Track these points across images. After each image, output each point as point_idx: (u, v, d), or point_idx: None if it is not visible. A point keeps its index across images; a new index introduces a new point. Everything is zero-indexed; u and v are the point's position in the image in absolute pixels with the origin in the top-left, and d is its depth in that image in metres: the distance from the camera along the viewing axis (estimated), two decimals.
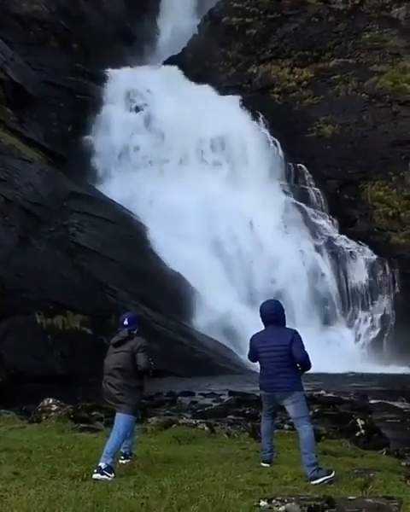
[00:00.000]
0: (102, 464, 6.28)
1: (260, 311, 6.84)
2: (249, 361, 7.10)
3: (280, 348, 6.55)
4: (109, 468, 6.27)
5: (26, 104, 28.90)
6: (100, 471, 6.22)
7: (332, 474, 6.24)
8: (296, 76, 35.02)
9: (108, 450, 6.40)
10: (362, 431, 10.27)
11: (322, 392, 16.49)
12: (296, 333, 6.63)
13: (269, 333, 6.71)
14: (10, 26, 32.62)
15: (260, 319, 6.83)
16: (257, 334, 6.89)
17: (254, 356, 6.87)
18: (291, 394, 6.53)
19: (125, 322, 7.03)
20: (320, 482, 6.10)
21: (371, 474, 6.51)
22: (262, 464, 6.84)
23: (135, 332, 7.01)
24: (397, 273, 27.85)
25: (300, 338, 6.58)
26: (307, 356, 6.53)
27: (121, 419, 6.66)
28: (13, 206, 22.52)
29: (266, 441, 6.95)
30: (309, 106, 33.56)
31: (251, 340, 6.88)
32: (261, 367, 6.78)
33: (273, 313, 6.75)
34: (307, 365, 6.55)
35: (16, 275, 20.77)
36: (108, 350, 7.05)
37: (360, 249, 28.60)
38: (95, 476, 6.16)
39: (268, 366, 6.64)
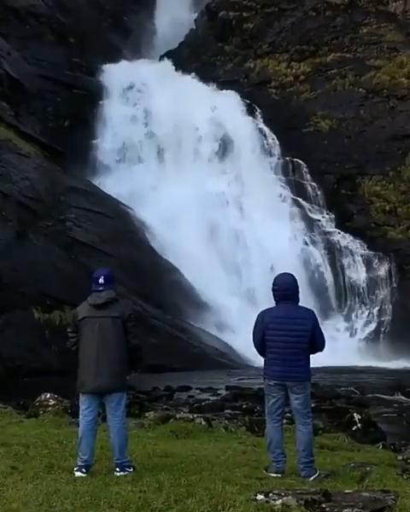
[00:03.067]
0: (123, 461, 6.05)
1: (275, 284, 6.16)
2: (255, 347, 6.23)
3: (300, 333, 5.99)
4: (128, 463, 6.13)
5: (23, 98, 28.80)
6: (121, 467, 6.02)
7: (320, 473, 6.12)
8: (294, 70, 34.95)
9: (122, 444, 6.10)
10: (359, 425, 10.32)
11: (320, 385, 16.52)
12: (315, 315, 6.16)
13: (284, 312, 6.05)
14: (6, 20, 32.46)
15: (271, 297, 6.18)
16: (268, 311, 6.18)
17: (261, 338, 6.09)
18: (304, 384, 6.13)
19: (101, 281, 6.05)
20: (315, 478, 6.11)
21: (368, 468, 6.55)
22: (272, 475, 6.11)
23: (113, 293, 6.10)
24: (394, 268, 27.89)
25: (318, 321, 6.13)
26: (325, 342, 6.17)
27: (121, 398, 6.15)
28: (10, 201, 22.49)
29: (280, 451, 6.26)
30: (306, 100, 33.51)
31: (261, 317, 6.15)
32: (271, 351, 6.10)
33: (290, 289, 6.12)
34: (322, 350, 6.17)
35: (13, 269, 20.77)
36: (79, 310, 6.10)
37: (357, 244, 28.63)
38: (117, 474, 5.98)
39: (282, 351, 6.00)
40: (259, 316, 6.23)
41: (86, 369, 6.15)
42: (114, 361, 6.08)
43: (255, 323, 6.21)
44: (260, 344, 6.20)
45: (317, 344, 6.15)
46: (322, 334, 6.18)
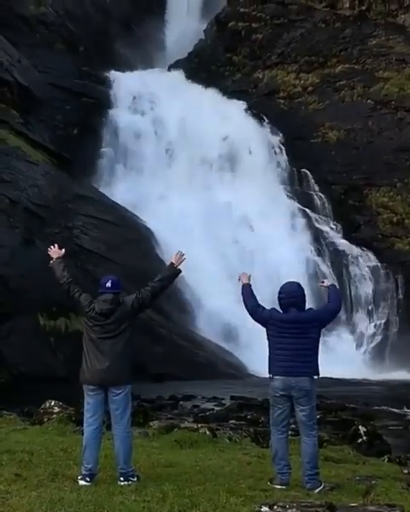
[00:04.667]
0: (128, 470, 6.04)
1: (281, 292, 6.22)
2: (253, 315, 6.32)
3: (308, 325, 6.08)
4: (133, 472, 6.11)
5: (32, 106, 28.97)
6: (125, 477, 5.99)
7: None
8: (302, 81, 35.07)
9: (127, 453, 6.07)
10: (364, 438, 10.25)
11: (324, 398, 16.44)
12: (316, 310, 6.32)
13: (292, 317, 6.10)
14: (17, 28, 32.74)
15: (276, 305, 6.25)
16: (277, 311, 6.24)
17: (264, 320, 6.19)
18: (312, 383, 6.10)
19: (108, 285, 6.15)
20: (320, 490, 6.07)
21: (373, 482, 6.49)
22: (277, 487, 6.07)
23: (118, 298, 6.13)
24: (400, 279, 27.81)
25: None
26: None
27: (127, 396, 6.10)
28: (18, 208, 22.57)
29: (285, 463, 6.20)
30: (314, 111, 33.59)
31: (268, 311, 6.24)
32: (278, 347, 6.12)
33: (297, 296, 6.18)
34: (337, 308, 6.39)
35: (20, 276, 20.81)
36: (87, 319, 6.14)
37: (364, 255, 28.57)
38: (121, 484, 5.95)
39: (289, 347, 6.04)
40: (267, 309, 6.30)
41: (89, 362, 6.16)
42: (118, 358, 6.07)
43: (263, 311, 6.29)
44: (259, 314, 6.28)
45: (333, 306, 6.36)
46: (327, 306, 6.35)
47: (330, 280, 6.79)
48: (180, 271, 6.48)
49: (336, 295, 6.52)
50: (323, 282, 6.77)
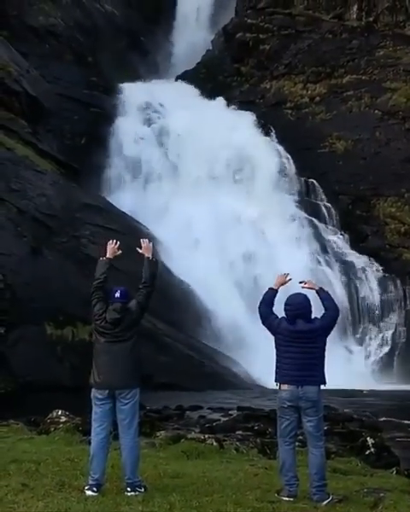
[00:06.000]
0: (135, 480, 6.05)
1: (288, 304, 6.26)
2: (261, 310, 6.39)
3: (314, 335, 6.13)
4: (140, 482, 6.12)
5: (41, 116, 29.15)
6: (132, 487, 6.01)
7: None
8: (309, 92, 35.15)
9: (134, 463, 6.08)
10: (372, 449, 10.17)
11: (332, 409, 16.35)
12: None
13: (300, 328, 6.17)
14: (26, 39, 33.01)
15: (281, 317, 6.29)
16: (286, 321, 6.26)
17: (273, 328, 6.24)
18: (319, 393, 6.10)
19: (117, 295, 6.30)
20: (328, 503, 6.03)
21: (382, 494, 6.43)
22: (285, 498, 6.04)
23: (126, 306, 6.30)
24: (408, 290, 27.70)
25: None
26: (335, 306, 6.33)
27: (134, 406, 6.17)
28: (25, 217, 22.66)
29: (292, 474, 6.18)
30: (322, 121, 33.64)
31: (279, 320, 6.27)
32: (286, 356, 6.17)
33: (303, 308, 6.23)
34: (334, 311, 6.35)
35: (27, 285, 20.84)
36: (97, 326, 6.25)
37: (371, 265, 28.49)
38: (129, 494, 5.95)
39: (297, 356, 6.08)
40: (276, 317, 6.34)
41: (99, 367, 6.29)
42: (127, 362, 6.20)
43: (272, 317, 6.34)
44: (266, 315, 6.35)
45: (330, 305, 6.34)
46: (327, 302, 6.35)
47: (311, 281, 6.68)
48: (158, 261, 6.63)
49: (331, 301, 6.50)
50: (304, 282, 6.62)
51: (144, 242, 6.58)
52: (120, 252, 6.72)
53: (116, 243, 6.69)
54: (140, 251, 6.59)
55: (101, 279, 6.59)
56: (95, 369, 6.34)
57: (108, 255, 6.67)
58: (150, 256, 6.54)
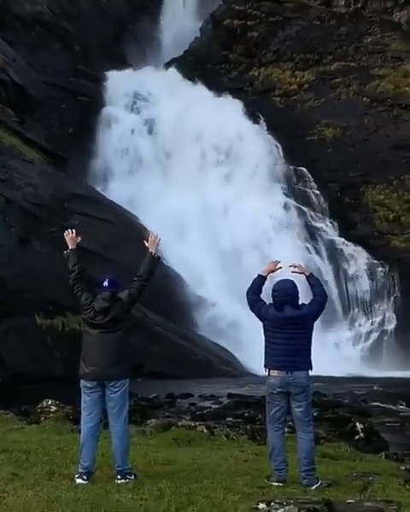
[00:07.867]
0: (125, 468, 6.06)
1: (275, 290, 6.27)
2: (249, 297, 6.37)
3: (302, 321, 6.14)
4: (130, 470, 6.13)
5: (28, 105, 28.92)
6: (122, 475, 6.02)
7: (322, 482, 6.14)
8: (298, 79, 35.02)
9: (124, 451, 6.08)
10: (361, 434, 10.28)
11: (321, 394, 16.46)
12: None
13: (288, 315, 6.17)
14: (12, 27, 32.67)
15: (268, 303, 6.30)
16: (273, 308, 6.25)
17: (260, 315, 6.24)
18: (308, 378, 6.14)
19: (106, 284, 6.21)
20: (317, 487, 6.08)
21: (370, 478, 6.51)
22: (274, 484, 6.10)
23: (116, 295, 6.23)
24: (397, 277, 27.82)
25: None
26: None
27: (124, 393, 6.13)
28: (13, 207, 22.52)
29: (282, 459, 6.22)
30: (310, 109, 33.56)
31: (266, 306, 6.26)
32: (274, 342, 6.16)
33: (291, 294, 6.24)
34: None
35: (16, 275, 20.78)
36: (85, 313, 6.18)
37: (360, 252, 28.59)
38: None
39: (285, 342, 6.08)
40: (263, 303, 6.34)
41: (88, 358, 6.26)
42: (116, 352, 6.15)
43: (260, 303, 6.33)
44: (254, 300, 6.35)
45: (318, 292, 6.36)
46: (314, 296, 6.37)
47: (302, 265, 6.70)
48: (160, 258, 6.52)
49: (320, 287, 6.54)
50: (294, 266, 6.62)
51: (152, 236, 6.44)
52: (80, 239, 6.61)
53: (73, 232, 6.56)
54: (146, 244, 6.48)
55: (76, 271, 6.46)
56: (83, 361, 6.31)
57: (70, 246, 6.55)
58: (154, 251, 6.43)
